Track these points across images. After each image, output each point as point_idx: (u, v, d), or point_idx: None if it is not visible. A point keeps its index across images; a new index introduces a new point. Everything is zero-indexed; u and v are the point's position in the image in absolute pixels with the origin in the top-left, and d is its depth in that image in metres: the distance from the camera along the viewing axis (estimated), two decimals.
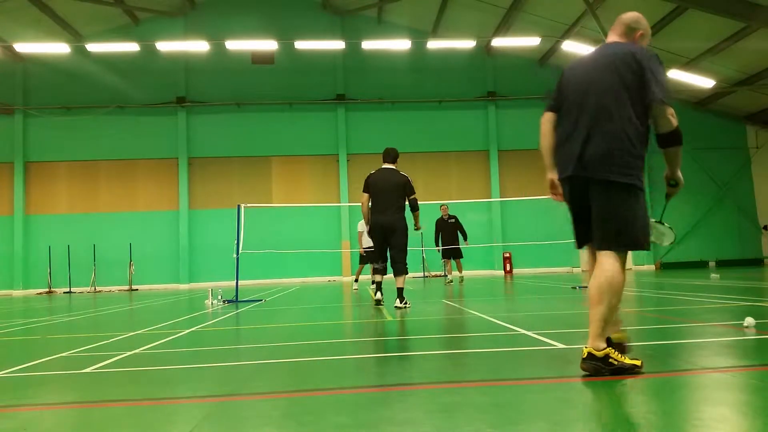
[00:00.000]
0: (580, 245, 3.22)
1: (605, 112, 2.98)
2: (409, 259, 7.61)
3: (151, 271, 21.96)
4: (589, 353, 2.85)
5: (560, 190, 3.19)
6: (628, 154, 2.92)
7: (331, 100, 23.05)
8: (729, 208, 23.62)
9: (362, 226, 12.99)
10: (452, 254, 13.73)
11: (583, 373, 2.89)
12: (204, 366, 3.78)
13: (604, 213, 2.96)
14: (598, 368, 2.83)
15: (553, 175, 3.20)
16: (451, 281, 14.31)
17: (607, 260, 2.93)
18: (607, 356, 2.83)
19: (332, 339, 4.93)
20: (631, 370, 2.86)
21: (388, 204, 7.36)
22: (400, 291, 7.25)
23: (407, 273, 7.48)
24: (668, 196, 3.33)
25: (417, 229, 7.84)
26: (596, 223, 2.99)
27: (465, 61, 23.25)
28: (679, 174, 3.21)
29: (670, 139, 3.09)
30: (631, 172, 2.91)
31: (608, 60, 3.06)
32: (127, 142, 22.54)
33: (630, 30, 3.24)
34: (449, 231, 13.58)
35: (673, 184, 3.24)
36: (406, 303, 7.19)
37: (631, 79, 3.01)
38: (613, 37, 3.26)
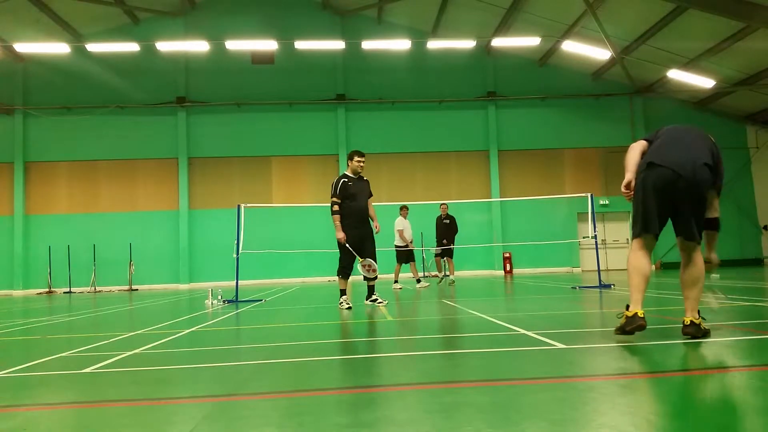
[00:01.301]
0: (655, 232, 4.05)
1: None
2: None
3: (151, 271, 21.96)
4: (691, 321, 3.86)
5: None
6: None
7: (331, 100, 23.05)
8: (729, 208, 23.59)
9: (400, 223, 13.03)
10: (444, 253, 13.71)
11: (582, 373, 2.94)
12: (204, 366, 3.78)
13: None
14: (696, 332, 3.85)
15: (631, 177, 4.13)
16: (442, 280, 14.45)
17: (698, 255, 4.00)
18: (700, 323, 3.88)
19: (332, 339, 4.93)
20: (709, 334, 3.95)
21: None
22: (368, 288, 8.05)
23: (338, 274, 7.72)
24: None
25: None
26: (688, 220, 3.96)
27: (465, 61, 23.25)
28: (714, 254, 4.25)
29: (714, 225, 4.10)
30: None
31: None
32: (127, 142, 22.54)
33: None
34: (443, 230, 13.65)
35: (710, 264, 4.20)
36: (340, 303, 7.62)
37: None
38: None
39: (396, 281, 12.92)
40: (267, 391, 2.91)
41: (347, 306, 7.49)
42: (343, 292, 7.70)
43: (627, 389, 2.65)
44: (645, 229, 4.01)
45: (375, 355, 4.04)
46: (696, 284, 3.96)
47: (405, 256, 12.96)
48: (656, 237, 4.05)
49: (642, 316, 3.79)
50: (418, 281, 12.67)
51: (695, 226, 3.95)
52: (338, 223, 7.56)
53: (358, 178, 7.76)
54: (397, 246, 13.02)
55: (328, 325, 6.09)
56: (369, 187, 7.92)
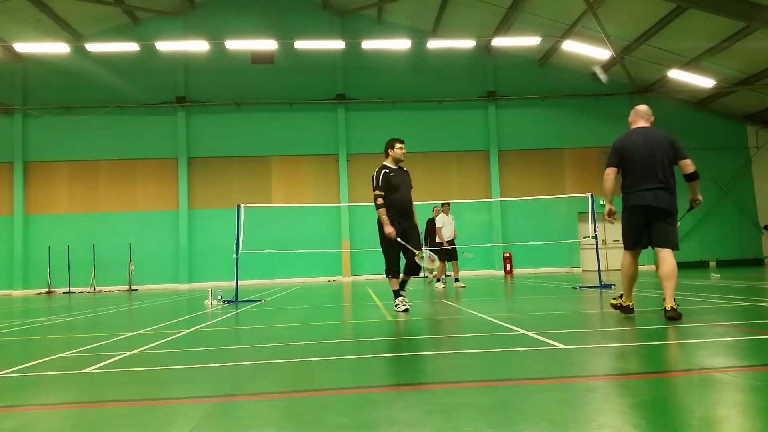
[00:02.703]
0: (634, 247, 5.36)
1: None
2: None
3: (150, 271, 21.96)
4: (671, 307, 4.91)
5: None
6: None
7: (331, 100, 23.05)
8: (729, 208, 23.62)
9: (441, 220, 12.63)
10: (448, 256, 12.86)
11: (583, 373, 2.94)
12: (204, 366, 3.78)
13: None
14: (676, 315, 4.90)
15: (611, 206, 5.45)
16: (448, 283, 14.08)
17: (670, 255, 5.11)
18: (677, 308, 4.95)
19: (332, 339, 4.93)
20: (682, 317, 5.00)
21: None
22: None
23: (387, 275, 6.96)
24: (690, 209, 5.61)
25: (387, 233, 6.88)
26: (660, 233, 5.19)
27: (465, 61, 23.25)
28: (700, 196, 5.42)
29: (694, 176, 5.26)
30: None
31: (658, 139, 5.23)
32: (127, 142, 22.54)
33: (649, 116, 5.45)
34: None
35: (696, 203, 5.45)
36: (396, 305, 6.89)
37: (671, 152, 5.19)
38: (643, 122, 5.42)
39: (439, 279, 12.61)
40: (267, 392, 2.91)
41: (404, 307, 6.79)
42: (396, 293, 6.97)
43: (627, 389, 2.65)
44: (631, 248, 5.38)
45: (375, 355, 4.04)
46: (671, 278, 5.02)
47: (447, 254, 12.42)
48: (640, 249, 5.40)
49: (632, 306, 5.50)
50: (439, 280, 12.53)
51: (665, 236, 5.15)
52: (386, 217, 6.82)
53: (399, 169, 7.11)
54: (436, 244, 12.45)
55: (328, 325, 6.09)
56: (410, 179, 7.26)
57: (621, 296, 5.52)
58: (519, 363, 3.44)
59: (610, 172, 5.27)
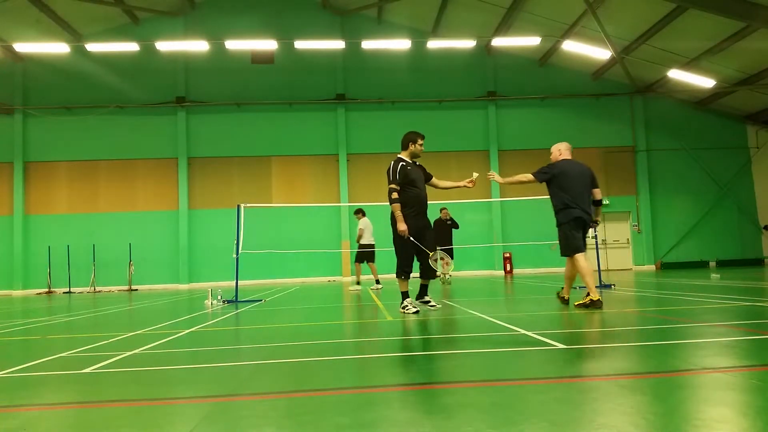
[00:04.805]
0: (580, 250, 6.65)
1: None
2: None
3: (150, 271, 21.97)
4: (597, 298, 6.27)
5: None
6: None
7: (331, 100, 23.05)
8: (729, 208, 23.62)
9: (362, 223, 13.21)
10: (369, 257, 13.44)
11: (583, 373, 2.96)
12: (204, 366, 3.78)
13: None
14: (600, 304, 6.24)
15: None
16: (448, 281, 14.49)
17: (581, 256, 6.60)
18: (567, 297, 6.95)
19: (332, 339, 4.93)
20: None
21: None
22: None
23: (399, 275, 6.69)
24: (594, 227, 7.01)
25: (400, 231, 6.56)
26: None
27: (465, 61, 23.26)
28: (599, 218, 6.94)
29: (600, 203, 6.83)
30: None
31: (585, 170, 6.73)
32: (127, 142, 22.54)
33: (571, 150, 6.92)
34: (444, 232, 13.77)
35: (596, 223, 6.81)
36: (405, 306, 6.66)
37: (590, 182, 6.70)
38: (569, 155, 6.86)
39: (358, 282, 13.33)
40: (267, 392, 2.91)
41: (414, 309, 6.52)
42: (405, 294, 6.70)
43: (627, 389, 2.65)
44: (578, 250, 6.62)
45: (375, 355, 4.04)
46: (589, 272, 6.55)
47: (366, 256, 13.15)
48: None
49: (600, 299, 6.38)
50: (377, 282, 13.22)
51: (585, 243, 6.71)
52: (399, 213, 6.50)
53: (414, 163, 6.83)
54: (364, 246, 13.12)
55: (328, 325, 6.09)
56: (425, 173, 7.00)
57: (588, 295, 6.44)
58: (519, 363, 3.44)
59: (532, 180, 6.73)
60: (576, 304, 6.52)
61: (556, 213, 6.68)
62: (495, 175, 7.02)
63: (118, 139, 22.49)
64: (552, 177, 6.61)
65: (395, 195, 6.55)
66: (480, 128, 23.40)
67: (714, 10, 16.79)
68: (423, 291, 6.98)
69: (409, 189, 6.64)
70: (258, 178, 22.67)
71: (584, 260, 6.56)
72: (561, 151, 6.84)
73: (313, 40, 21.43)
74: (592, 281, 6.41)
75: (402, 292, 6.77)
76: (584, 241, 6.64)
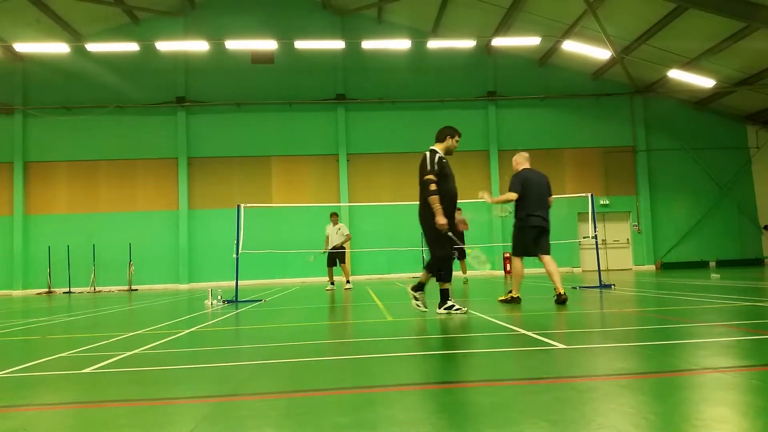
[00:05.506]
0: (526, 254, 7.46)
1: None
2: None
3: (150, 271, 21.96)
4: (564, 293, 7.03)
5: None
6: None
7: (330, 100, 23.05)
8: (729, 208, 23.62)
9: (328, 230, 14.35)
10: (459, 255, 13.96)
11: (583, 373, 2.96)
12: (204, 366, 3.78)
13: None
14: (566, 298, 7.02)
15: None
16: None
17: (551, 258, 7.37)
18: (564, 293, 7.10)
19: (332, 339, 4.93)
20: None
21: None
22: (441, 293, 6.39)
23: (431, 271, 6.27)
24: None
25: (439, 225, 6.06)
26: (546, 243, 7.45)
27: (465, 61, 23.25)
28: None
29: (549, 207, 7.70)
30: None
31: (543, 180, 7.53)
32: (127, 142, 22.54)
33: (530, 160, 7.67)
34: (459, 233, 13.94)
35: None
36: (447, 309, 6.26)
37: (547, 190, 7.51)
38: (528, 165, 7.62)
39: (332, 282, 14.09)
40: (267, 392, 2.91)
41: (464, 309, 6.30)
42: (447, 294, 6.31)
43: (627, 389, 2.65)
44: (525, 254, 7.39)
45: (375, 355, 4.04)
46: (557, 272, 7.23)
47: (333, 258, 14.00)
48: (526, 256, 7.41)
49: (519, 297, 7.32)
50: (332, 283, 14.05)
51: (547, 246, 7.38)
52: (439, 205, 5.97)
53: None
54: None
55: (328, 325, 6.08)
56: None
57: (510, 292, 7.34)
58: (519, 363, 3.43)
59: (515, 196, 7.36)
60: (499, 299, 7.56)
61: (516, 216, 7.46)
62: (485, 195, 7.67)
63: (118, 139, 22.49)
64: (521, 189, 7.34)
65: (433, 187, 6.03)
66: (480, 128, 23.39)
67: (714, 10, 16.79)
68: (443, 298, 6.38)
69: (444, 183, 6.18)
70: (258, 178, 22.67)
71: (519, 263, 7.45)
72: (518, 162, 7.60)
73: (313, 40, 21.44)
74: (517, 282, 7.40)
75: (419, 283, 6.35)
76: (547, 242, 7.42)
